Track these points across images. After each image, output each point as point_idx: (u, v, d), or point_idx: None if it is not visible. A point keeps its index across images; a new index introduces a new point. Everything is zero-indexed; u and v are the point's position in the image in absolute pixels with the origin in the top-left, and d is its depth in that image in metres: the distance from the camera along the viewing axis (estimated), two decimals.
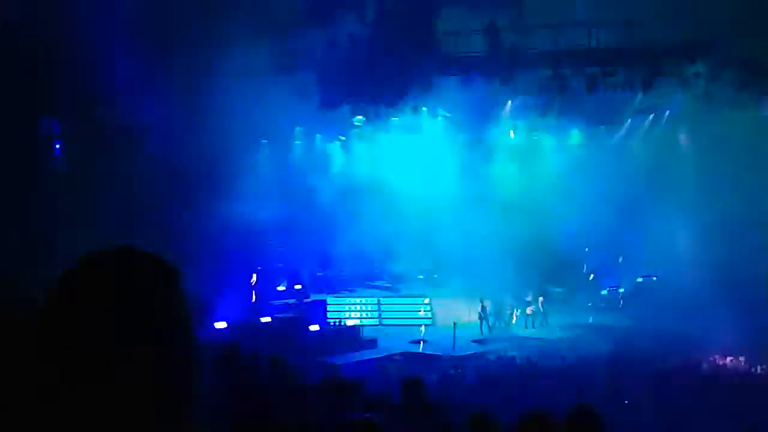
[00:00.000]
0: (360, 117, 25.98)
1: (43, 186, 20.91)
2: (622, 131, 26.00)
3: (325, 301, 24.55)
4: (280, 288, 25.23)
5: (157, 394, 1.09)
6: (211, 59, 19.88)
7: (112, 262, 1.16)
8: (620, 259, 27.35)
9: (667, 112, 24.65)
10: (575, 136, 27.54)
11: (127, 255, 1.18)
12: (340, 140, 27.75)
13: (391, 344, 21.56)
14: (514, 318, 24.32)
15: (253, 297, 23.61)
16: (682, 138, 24.67)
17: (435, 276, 27.61)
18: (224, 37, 19.66)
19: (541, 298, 24.83)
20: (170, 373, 1.11)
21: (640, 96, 24.28)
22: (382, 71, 22.96)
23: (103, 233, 19.69)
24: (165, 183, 22.82)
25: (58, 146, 21.43)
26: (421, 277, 27.74)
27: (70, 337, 1.07)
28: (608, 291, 26.59)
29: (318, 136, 27.12)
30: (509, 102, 24.72)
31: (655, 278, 25.83)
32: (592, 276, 27.12)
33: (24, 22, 16.87)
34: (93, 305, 1.09)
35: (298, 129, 26.30)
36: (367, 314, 24.96)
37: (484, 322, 23.51)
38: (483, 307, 23.58)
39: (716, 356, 19.18)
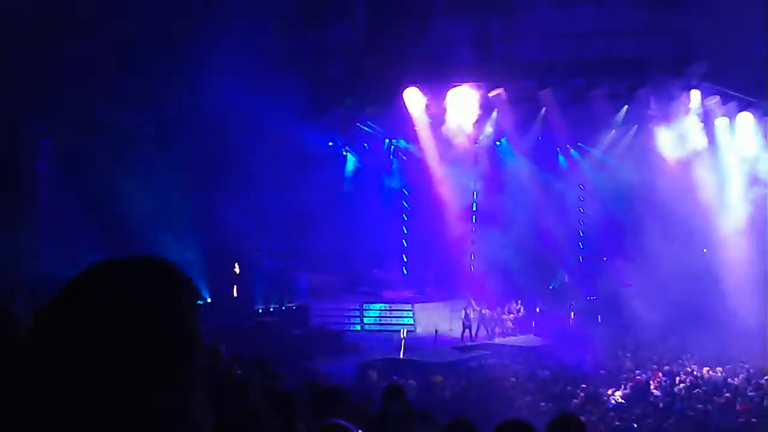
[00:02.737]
0: (348, 121, 26.01)
1: (31, 188, 20.81)
2: (606, 142, 26.18)
3: (308, 305, 24.51)
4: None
5: (163, 404, 1.07)
6: (201, 61, 19.87)
7: (125, 268, 1.13)
8: (600, 268, 27.52)
9: (651, 124, 24.85)
10: (559, 146, 27.69)
11: (141, 262, 1.14)
12: (328, 144, 27.71)
13: (373, 350, 21.57)
14: (496, 326, 24.38)
15: (235, 292, 23.55)
16: (665, 149, 24.90)
17: (418, 282, 27.64)
18: (216, 40, 19.67)
19: (522, 307, 24.93)
20: (180, 381, 1.09)
21: (624, 107, 24.51)
22: (372, 76, 23.05)
23: (94, 236, 19.62)
24: (157, 184, 22.75)
25: (49, 147, 21.34)
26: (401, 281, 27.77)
27: (78, 344, 1.05)
28: (588, 300, 26.76)
29: (307, 139, 27.01)
30: (495, 110, 24.84)
31: (630, 286, 25.87)
32: (571, 285, 27.25)
33: (16, 21, 16.77)
34: (102, 311, 1.07)
35: (286, 131, 26.20)
36: (349, 319, 24.93)
37: (465, 329, 23.57)
38: (465, 314, 23.65)
39: (693, 366, 19.36)
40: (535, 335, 24.03)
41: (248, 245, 25.04)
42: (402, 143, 27.58)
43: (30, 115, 19.90)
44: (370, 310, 25.52)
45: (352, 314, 25.25)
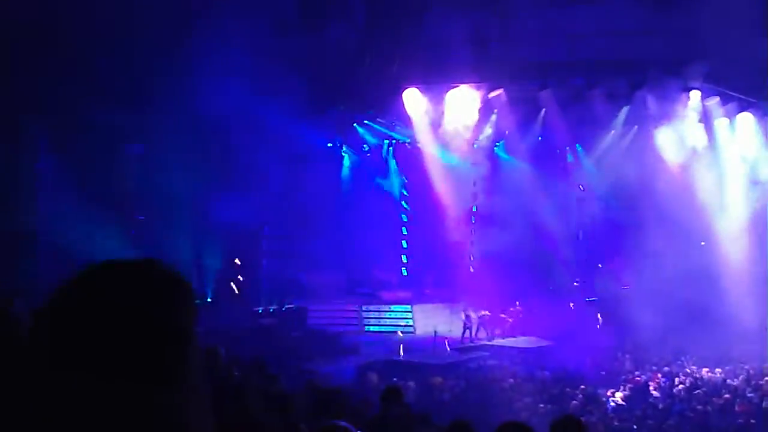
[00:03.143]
0: (347, 122, 26.02)
1: (25, 186, 20.78)
2: (606, 142, 26.13)
3: (306, 307, 24.46)
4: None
5: (161, 404, 1.09)
6: (199, 61, 19.83)
7: (122, 270, 1.16)
8: (600, 268, 27.47)
9: (651, 124, 24.82)
10: (558, 147, 27.62)
11: (138, 264, 1.17)
12: (327, 144, 27.68)
13: (372, 351, 21.53)
14: (495, 327, 24.33)
15: (236, 290, 23.50)
16: (665, 150, 24.89)
17: (417, 283, 27.58)
18: (215, 40, 19.64)
19: (521, 308, 24.88)
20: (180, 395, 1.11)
21: (624, 107, 24.48)
22: (370, 77, 23.03)
23: (88, 236, 19.57)
24: (156, 184, 22.75)
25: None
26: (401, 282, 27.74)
27: (76, 344, 1.07)
28: (587, 301, 26.71)
29: (306, 139, 26.92)
30: (495, 111, 24.81)
31: (628, 287, 25.77)
32: (575, 283, 27.20)
33: (9, 21, 16.73)
34: (99, 312, 1.09)
35: (286, 131, 26.12)
36: (348, 321, 24.88)
37: (465, 330, 23.53)
38: (466, 316, 23.59)
39: (693, 367, 19.35)
40: (534, 336, 23.97)
41: (247, 246, 25.02)
42: (401, 144, 27.55)
43: (29, 114, 19.89)
44: (369, 311, 25.47)
45: (351, 315, 25.19)
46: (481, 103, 24.04)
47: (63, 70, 18.33)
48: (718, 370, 18.81)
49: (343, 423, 3.48)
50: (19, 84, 17.80)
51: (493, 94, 23.58)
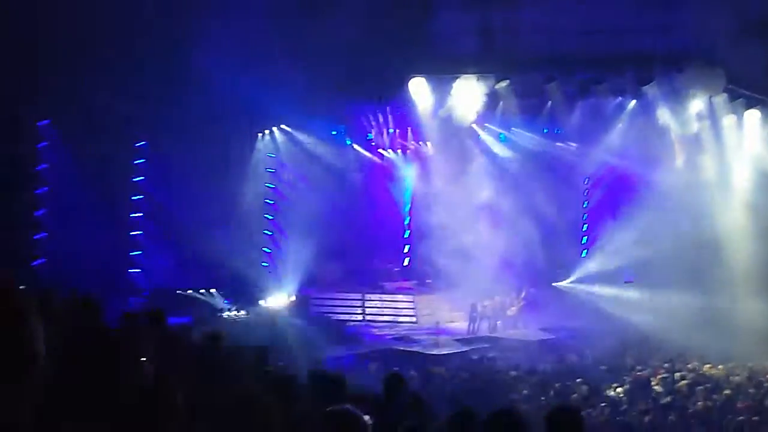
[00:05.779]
0: (348, 114, 25.96)
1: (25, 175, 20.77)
2: (612, 136, 25.99)
3: (309, 295, 24.48)
4: None
5: None
6: (200, 50, 19.76)
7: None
8: (603, 262, 27.37)
9: (657, 119, 24.70)
10: (564, 140, 27.52)
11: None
12: (330, 134, 27.59)
13: (375, 341, 21.55)
14: (498, 319, 24.31)
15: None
16: (671, 145, 24.79)
17: (420, 273, 27.55)
18: (217, 27, 19.56)
19: (524, 300, 24.85)
20: None
21: (631, 102, 24.38)
22: (373, 68, 22.95)
23: (91, 225, 19.51)
24: (153, 175, 22.70)
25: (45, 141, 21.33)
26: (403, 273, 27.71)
27: None
28: (589, 294, 26.63)
29: (304, 130, 26.87)
30: (500, 104, 24.70)
31: (632, 281, 25.63)
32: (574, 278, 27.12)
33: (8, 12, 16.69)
34: None
35: (283, 123, 26.05)
36: (351, 310, 24.88)
37: (471, 321, 23.50)
38: (471, 307, 23.56)
39: (695, 363, 19.29)
40: (536, 329, 23.96)
41: (249, 235, 25.00)
42: (405, 132, 27.47)
43: (30, 105, 19.85)
44: (372, 300, 25.46)
45: (353, 305, 25.19)
46: (487, 93, 23.95)
47: (64, 61, 18.30)
48: (720, 366, 18.76)
49: (349, 407, 3.44)
50: (21, 74, 17.77)
51: (499, 85, 23.50)
